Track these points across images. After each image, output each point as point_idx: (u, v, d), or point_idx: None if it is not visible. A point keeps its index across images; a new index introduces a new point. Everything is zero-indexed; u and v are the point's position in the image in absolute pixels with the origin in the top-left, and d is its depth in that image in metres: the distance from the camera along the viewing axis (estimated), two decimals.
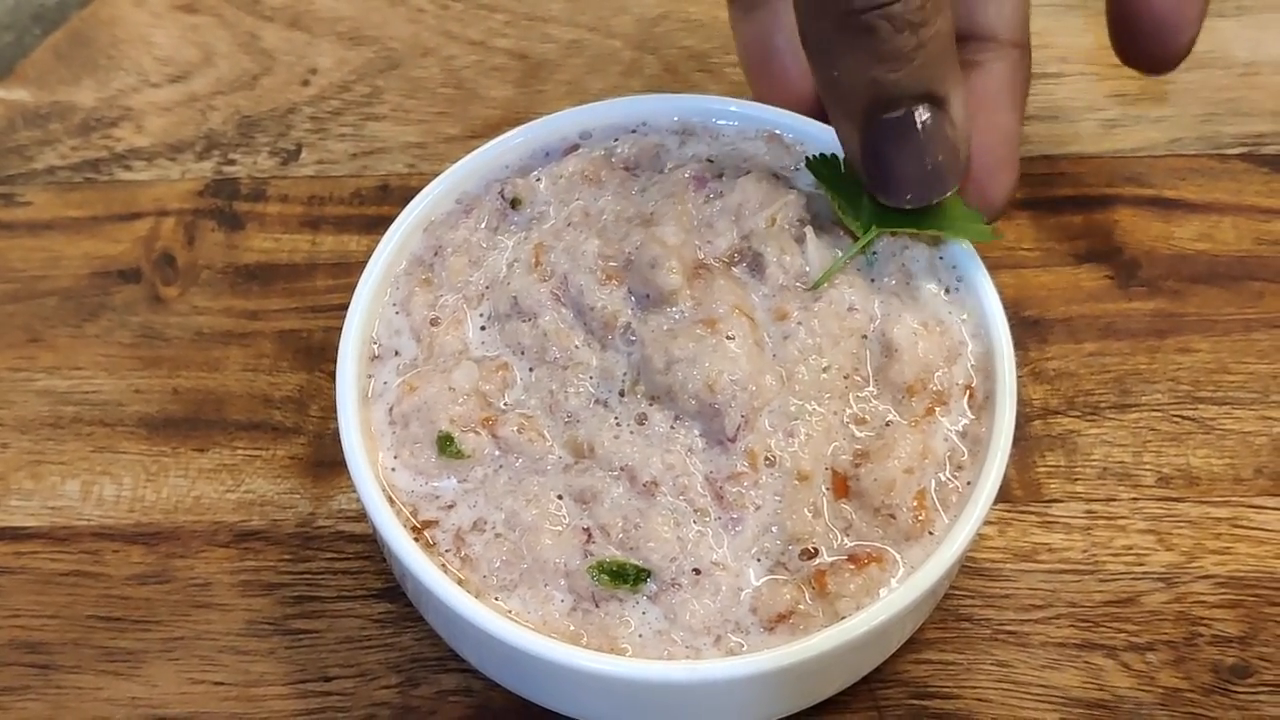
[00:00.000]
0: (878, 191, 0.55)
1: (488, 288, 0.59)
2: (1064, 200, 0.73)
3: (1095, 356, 0.67)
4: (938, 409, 0.55)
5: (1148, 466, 0.64)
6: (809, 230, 0.57)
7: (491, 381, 0.56)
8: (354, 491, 0.54)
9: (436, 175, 0.61)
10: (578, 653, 0.50)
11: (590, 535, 0.53)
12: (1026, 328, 0.68)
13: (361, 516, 0.63)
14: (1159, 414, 0.66)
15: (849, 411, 0.55)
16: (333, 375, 0.56)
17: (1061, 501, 0.63)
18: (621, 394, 0.55)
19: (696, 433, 0.54)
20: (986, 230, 0.57)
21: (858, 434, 0.54)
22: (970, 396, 0.55)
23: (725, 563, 0.52)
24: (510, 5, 0.83)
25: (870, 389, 0.55)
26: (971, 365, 0.56)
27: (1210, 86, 0.77)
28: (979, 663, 0.59)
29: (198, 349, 0.69)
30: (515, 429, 0.55)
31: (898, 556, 0.52)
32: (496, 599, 0.52)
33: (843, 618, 0.51)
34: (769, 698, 0.53)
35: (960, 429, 0.55)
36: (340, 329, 0.57)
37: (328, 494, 0.64)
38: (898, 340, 0.55)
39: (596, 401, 0.55)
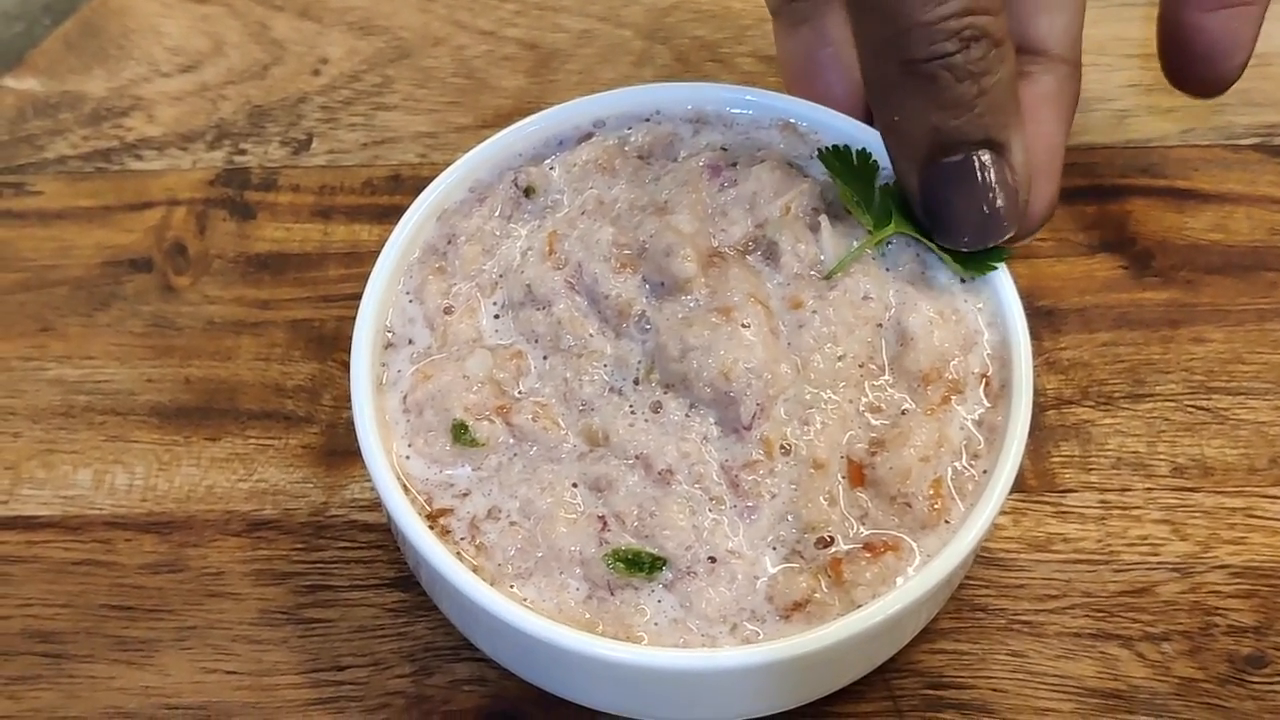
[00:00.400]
0: (936, 233, 0.56)
1: (501, 276, 0.59)
2: (1078, 191, 0.73)
3: (1109, 346, 0.67)
4: (953, 398, 0.55)
5: (1162, 457, 0.64)
6: (824, 219, 0.57)
7: (506, 370, 0.56)
8: (367, 480, 0.54)
9: (447, 165, 0.61)
10: (593, 641, 0.50)
11: (605, 523, 0.53)
12: (1040, 318, 0.68)
13: (374, 505, 0.63)
14: (1173, 404, 0.65)
15: (864, 400, 0.55)
16: (345, 364, 0.56)
17: (1076, 492, 0.63)
18: (636, 382, 0.55)
19: (712, 421, 0.54)
20: (999, 257, 0.56)
21: (873, 422, 0.54)
22: (986, 385, 0.55)
23: (741, 551, 0.52)
24: None
25: (886, 377, 0.55)
26: (987, 354, 0.56)
27: None
28: (994, 653, 0.59)
29: (209, 338, 0.69)
30: (530, 417, 0.55)
31: (914, 545, 0.52)
32: (511, 587, 0.52)
33: (858, 606, 0.51)
34: (784, 686, 0.53)
35: (976, 418, 0.54)
36: (352, 318, 0.57)
37: (340, 483, 0.64)
38: (913, 329, 0.55)
39: (611, 390, 0.55)
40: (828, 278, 0.56)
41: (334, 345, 0.68)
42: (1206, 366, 0.67)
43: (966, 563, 0.53)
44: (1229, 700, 0.58)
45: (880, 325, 0.56)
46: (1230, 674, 0.58)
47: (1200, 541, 0.62)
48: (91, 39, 0.82)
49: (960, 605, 0.60)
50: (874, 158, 0.58)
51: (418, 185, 0.61)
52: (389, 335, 0.58)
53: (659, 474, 0.53)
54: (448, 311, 0.58)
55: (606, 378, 0.55)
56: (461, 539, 0.53)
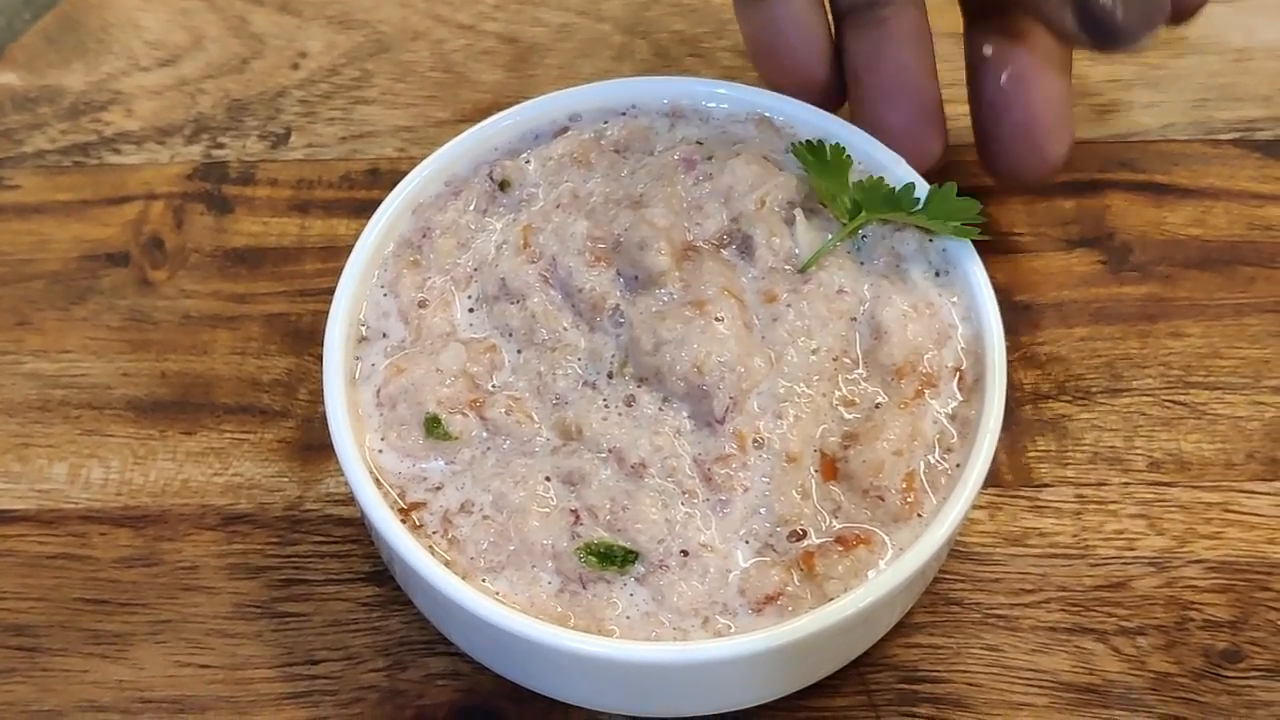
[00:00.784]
0: (1099, 39, 0.56)
1: (476, 269, 0.58)
2: (1056, 185, 0.72)
3: (1086, 341, 0.67)
4: (927, 391, 0.55)
5: (1139, 451, 0.64)
6: (798, 212, 0.57)
7: (479, 363, 0.56)
8: (342, 474, 0.54)
9: (425, 159, 0.61)
10: (565, 634, 0.50)
11: (578, 517, 0.53)
12: (1018, 312, 0.68)
13: (349, 500, 0.63)
14: (1150, 399, 0.65)
15: (838, 393, 0.55)
16: (321, 359, 0.56)
17: (1052, 486, 0.63)
18: (610, 376, 0.55)
19: (685, 414, 0.54)
20: (973, 228, 0.57)
21: (846, 416, 0.54)
22: (960, 379, 0.55)
23: (713, 544, 0.52)
24: None
25: (859, 371, 0.55)
26: (961, 348, 0.56)
27: (1203, 72, 0.77)
28: (969, 647, 0.59)
29: (186, 332, 0.69)
30: (503, 410, 0.55)
31: (886, 538, 0.52)
32: (484, 581, 0.52)
33: (831, 599, 0.51)
34: (757, 680, 0.53)
35: (950, 411, 0.54)
36: (328, 312, 0.57)
37: (315, 477, 0.64)
38: (887, 322, 0.55)
39: (585, 383, 0.55)
40: (802, 271, 0.56)
41: (310, 339, 0.68)
42: (1184, 361, 0.67)
43: (939, 556, 0.53)
44: (1204, 695, 0.58)
45: (854, 319, 0.56)
46: (1206, 668, 0.58)
47: (1176, 536, 0.62)
48: (70, 33, 0.82)
49: (935, 599, 0.60)
50: (847, 152, 0.58)
51: (396, 179, 0.61)
52: (363, 329, 0.58)
53: (632, 467, 0.53)
54: (422, 305, 0.58)
55: (580, 371, 0.55)
56: (434, 533, 0.53)
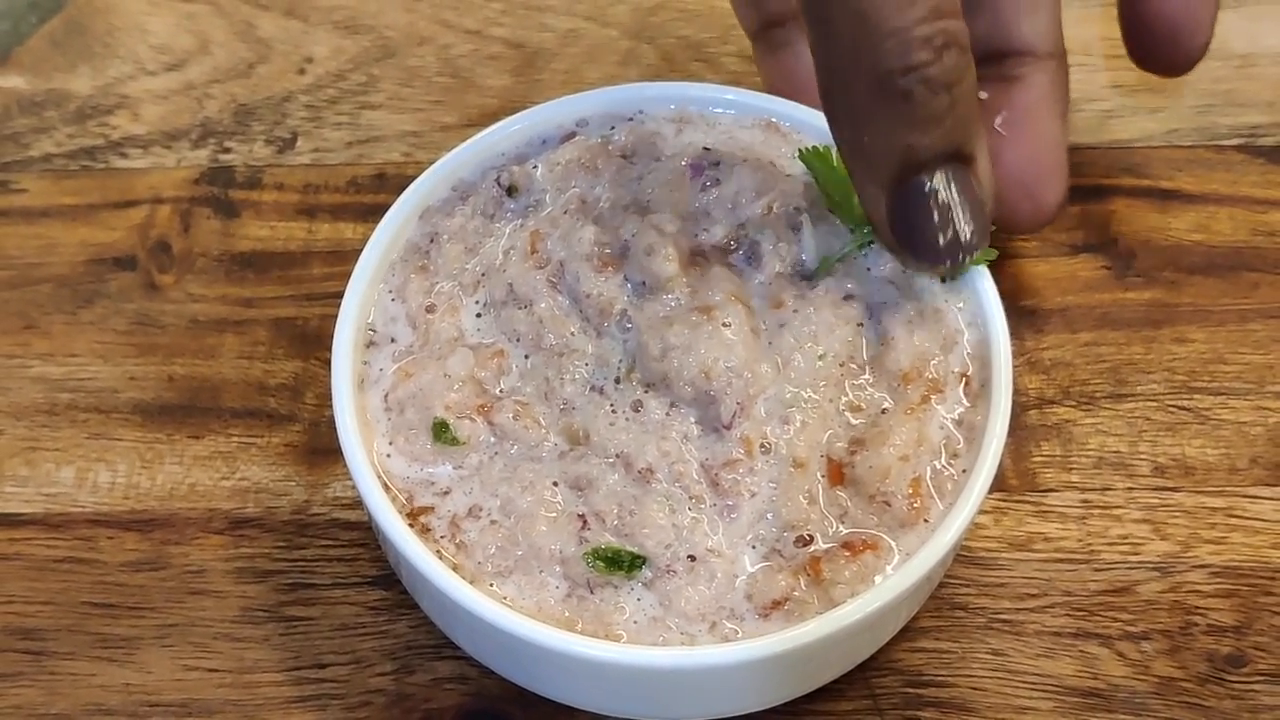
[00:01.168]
0: (907, 257, 0.53)
1: (484, 275, 0.59)
2: None
3: (1091, 346, 0.67)
4: (933, 397, 0.55)
5: (1143, 456, 0.64)
6: (805, 218, 0.57)
7: (487, 368, 0.56)
8: (349, 478, 0.54)
9: (432, 164, 0.61)
10: (572, 639, 0.50)
11: (585, 522, 0.53)
12: (1023, 317, 0.68)
13: (356, 503, 0.63)
14: (1154, 404, 0.66)
15: (844, 399, 0.55)
16: (328, 363, 0.56)
17: (1057, 491, 0.63)
18: (617, 381, 0.55)
19: (692, 420, 0.54)
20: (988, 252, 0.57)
21: (853, 421, 0.54)
22: (966, 384, 0.55)
23: (720, 549, 0.52)
24: None
25: (866, 377, 0.55)
26: (968, 353, 0.56)
27: (1207, 78, 0.77)
28: (974, 651, 0.59)
29: (193, 336, 0.69)
30: (511, 416, 0.55)
31: (893, 544, 0.52)
32: (491, 585, 0.52)
33: (837, 605, 0.51)
34: (763, 685, 0.53)
35: (956, 417, 0.55)
36: (335, 317, 0.57)
37: (322, 481, 0.64)
38: (893, 328, 0.55)
39: (592, 388, 0.55)
40: (809, 277, 0.56)
41: (317, 344, 0.68)
42: (1188, 366, 0.67)
43: (945, 561, 0.53)
44: (1208, 700, 0.58)
45: (861, 325, 0.56)
46: (1210, 673, 0.59)
47: (1181, 541, 0.62)
48: (77, 37, 0.82)
49: (940, 604, 0.60)
50: None
51: (402, 184, 0.61)
52: (371, 333, 0.58)
53: (639, 473, 0.53)
54: (430, 310, 0.58)
55: (587, 376, 0.56)
56: (442, 537, 0.53)
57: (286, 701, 0.59)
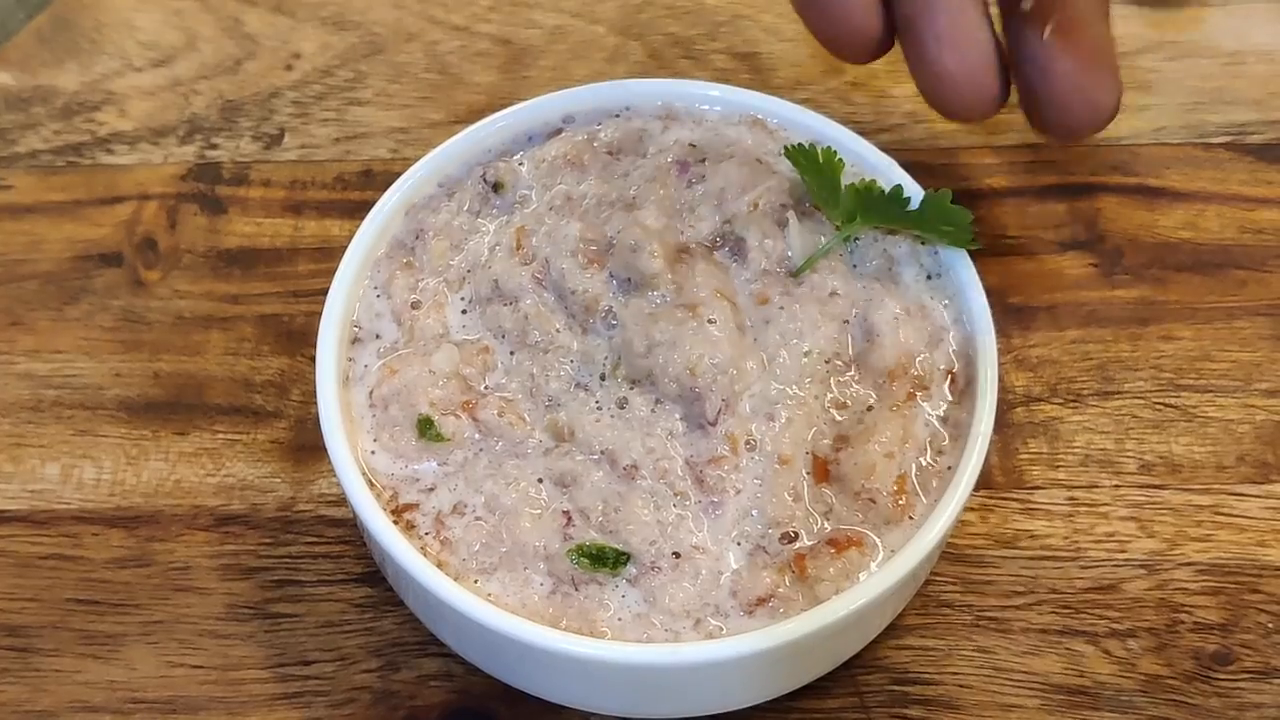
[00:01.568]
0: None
1: (469, 271, 0.58)
2: (1048, 188, 0.73)
3: (1078, 344, 0.67)
4: (919, 394, 0.55)
5: (1130, 454, 0.64)
6: (791, 215, 0.57)
7: (472, 365, 0.56)
8: (334, 475, 0.54)
9: (419, 160, 0.61)
10: (557, 636, 0.50)
11: (570, 519, 0.53)
12: (1010, 315, 0.68)
13: (342, 501, 0.63)
14: (1141, 401, 0.66)
15: (830, 396, 0.55)
16: (313, 359, 0.56)
17: (1043, 488, 0.63)
18: (602, 378, 0.55)
19: (677, 416, 0.54)
20: (966, 235, 0.57)
21: (838, 418, 0.54)
22: (952, 381, 0.55)
23: (705, 546, 0.52)
24: None
25: (851, 373, 0.55)
26: (953, 350, 0.56)
27: (1195, 75, 0.77)
28: (960, 649, 0.59)
29: (179, 333, 0.69)
30: (495, 412, 0.55)
31: (877, 540, 0.52)
32: (476, 582, 0.52)
33: (822, 601, 0.51)
34: (749, 681, 0.53)
35: (941, 413, 0.55)
36: (322, 313, 0.57)
37: (308, 478, 0.64)
38: (879, 325, 0.55)
39: (577, 385, 0.55)
40: (795, 274, 0.56)
41: (303, 340, 0.68)
42: (1175, 364, 0.67)
43: (931, 558, 0.53)
44: (1194, 697, 0.58)
45: (846, 321, 0.56)
46: (1196, 671, 0.59)
47: (1167, 539, 0.62)
48: (64, 33, 0.82)
49: (926, 601, 0.60)
50: (839, 155, 0.58)
51: (389, 180, 0.61)
52: (356, 330, 0.58)
53: (624, 469, 0.53)
54: (415, 306, 0.58)
55: (573, 373, 0.55)
56: (426, 534, 0.53)
57: (271, 698, 0.59)
